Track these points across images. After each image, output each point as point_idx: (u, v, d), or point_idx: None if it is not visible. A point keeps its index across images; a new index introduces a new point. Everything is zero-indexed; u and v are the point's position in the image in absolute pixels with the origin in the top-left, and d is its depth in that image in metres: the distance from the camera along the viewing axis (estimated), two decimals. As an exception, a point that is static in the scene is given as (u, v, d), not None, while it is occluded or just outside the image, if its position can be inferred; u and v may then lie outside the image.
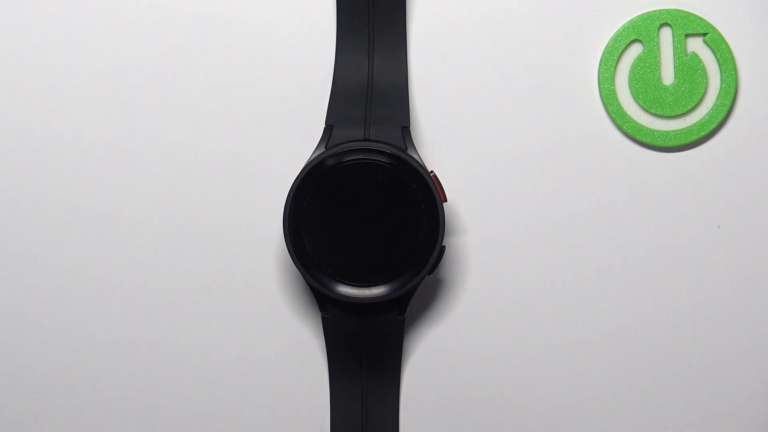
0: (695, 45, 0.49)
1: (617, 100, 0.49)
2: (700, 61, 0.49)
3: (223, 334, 0.49)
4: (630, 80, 0.49)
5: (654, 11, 0.49)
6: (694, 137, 0.49)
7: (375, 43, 0.47)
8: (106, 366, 0.49)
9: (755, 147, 0.49)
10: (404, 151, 0.45)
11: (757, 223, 0.49)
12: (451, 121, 0.49)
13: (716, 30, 0.49)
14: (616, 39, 0.49)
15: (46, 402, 0.50)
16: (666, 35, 0.49)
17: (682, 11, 0.49)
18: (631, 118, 0.49)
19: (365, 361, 0.48)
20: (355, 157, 0.45)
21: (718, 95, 0.49)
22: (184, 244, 0.49)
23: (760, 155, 0.49)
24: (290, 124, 0.49)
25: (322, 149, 0.45)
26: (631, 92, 0.49)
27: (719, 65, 0.49)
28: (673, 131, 0.49)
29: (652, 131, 0.49)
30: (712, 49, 0.49)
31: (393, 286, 0.45)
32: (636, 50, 0.49)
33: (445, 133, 0.49)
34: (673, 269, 0.49)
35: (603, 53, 0.49)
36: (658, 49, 0.49)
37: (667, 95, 0.49)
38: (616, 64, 0.49)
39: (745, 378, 0.49)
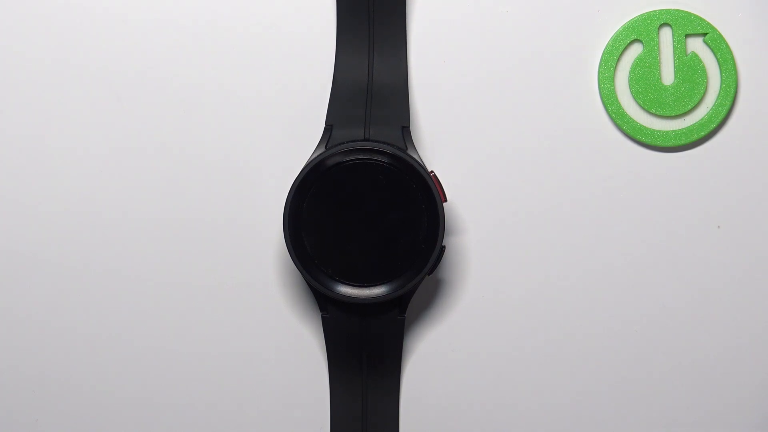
0: (695, 45, 0.49)
1: (617, 100, 0.49)
2: (700, 61, 0.49)
3: (223, 334, 0.49)
4: (630, 80, 0.49)
5: (654, 11, 0.49)
6: (694, 137, 0.49)
7: (375, 43, 0.47)
8: (106, 366, 0.49)
9: (755, 147, 0.49)
10: (404, 151, 0.45)
11: (757, 223, 0.49)
12: (451, 121, 0.49)
13: (716, 30, 0.49)
14: (616, 39, 0.49)
15: (46, 402, 0.50)
16: (666, 35, 0.49)
17: (682, 11, 0.49)
18: (631, 118, 0.49)
19: (365, 361, 0.48)
20: (355, 157, 0.45)
21: (718, 95, 0.49)
22: (185, 244, 0.49)
23: (760, 155, 0.49)
24: (290, 124, 0.49)
25: (322, 149, 0.45)
26: (631, 92, 0.49)
27: (719, 65, 0.49)
28: (673, 131, 0.49)
29: (652, 131, 0.49)
30: (712, 49, 0.49)
31: (393, 286, 0.45)
32: (636, 50, 0.49)
33: (445, 133, 0.49)
34: (673, 269, 0.49)
35: (603, 53, 0.49)
36: (658, 49, 0.49)
37: (667, 95, 0.49)
38: (616, 64, 0.49)
39: (745, 378, 0.49)
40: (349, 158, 0.45)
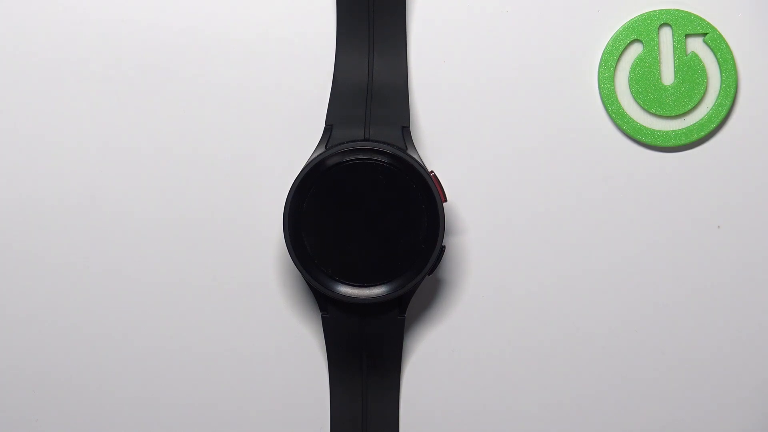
0: (695, 45, 0.49)
1: (617, 100, 0.49)
2: (700, 61, 0.49)
3: (223, 334, 0.49)
4: (630, 80, 0.49)
5: (654, 11, 0.49)
6: (694, 137, 0.49)
7: (375, 43, 0.47)
8: (106, 366, 0.49)
9: (755, 147, 0.49)
10: (404, 151, 0.45)
11: (757, 223, 0.49)
12: (451, 121, 0.49)
13: (716, 30, 0.49)
14: (616, 39, 0.49)
15: (46, 402, 0.50)
16: (666, 35, 0.49)
17: (682, 11, 0.49)
18: (631, 118, 0.49)
19: (365, 361, 0.48)
20: (355, 157, 0.45)
21: (718, 95, 0.49)
22: (185, 244, 0.49)
23: (760, 155, 0.49)
24: (290, 124, 0.49)
25: (322, 149, 0.45)
26: (631, 92, 0.49)
27: (719, 65, 0.49)
28: (673, 131, 0.49)
29: (652, 131, 0.49)
30: (712, 49, 0.49)
31: (393, 286, 0.45)
32: (636, 50, 0.49)
33: (445, 133, 0.49)
34: (673, 269, 0.49)
35: (603, 53, 0.49)
36: (658, 49, 0.49)
37: (667, 95, 0.49)
38: (616, 64, 0.49)
39: (745, 378, 0.49)
40: (349, 158, 0.45)
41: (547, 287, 0.49)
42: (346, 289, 0.45)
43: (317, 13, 0.49)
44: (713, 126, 0.49)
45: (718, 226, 0.49)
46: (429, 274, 0.46)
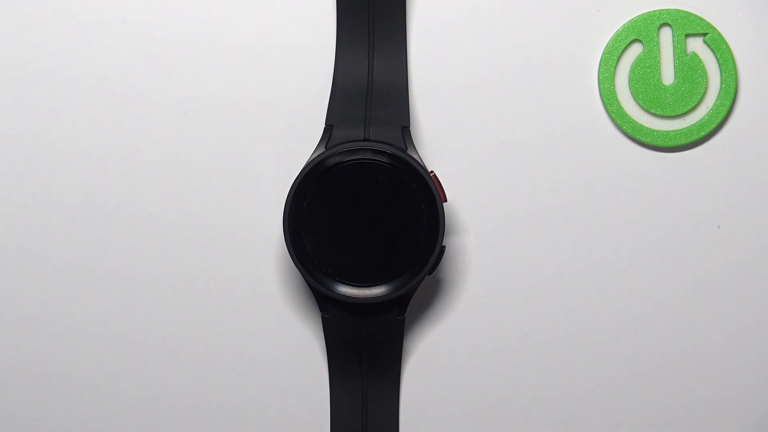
0: (695, 45, 0.49)
1: (617, 100, 0.49)
2: (700, 61, 0.49)
3: (223, 335, 0.49)
4: (630, 80, 0.49)
5: (654, 11, 0.49)
6: (694, 137, 0.49)
7: (375, 43, 0.47)
8: (107, 366, 0.49)
9: (755, 147, 0.49)
10: (404, 151, 0.45)
11: (757, 223, 0.49)
12: (451, 121, 0.49)
13: (716, 30, 0.49)
14: (616, 39, 0.49)
15: (46, 402, 0.50)
16: (666, 35, 0.49)
17: (682, 11, 0.49)
18: (631, 118, 0.49)
19: (365, 361, 0.48)
20: (355, 157, 0.45)
21: (718, 95, 0.49)
22: (184, 245, 0.49)
23: (760, 155, 0.49)
24: (290, 124, 0.49)
25: (322, 149, 0.45)
26: (631, 92, 0.49)
27: (719, 65, 0.49)
28: (673, 131, 0.49)
29: (652, 131, 0.49)
30: (712, 49, 0.49)
31: (393, 286, 0.45)
32: (636, 50, 0.49)
33: (445, 133, 0.49)
34: (673, 269, 0.49)
35: (603, 53, 0.49)
36: (658, 49, 0.49)
37: (667, 95, 0.49)
38: (616, 64, 0.49)
39: (744, 378, 0.49)
40: (349, 158, 0.45)
41: (547, 287, 0.49)
42: (346, 289, 0.45)
43: (317, 13, 0.49)
44: (713, 126, 0.49)
45: (718, 226, 0.49)
46: (429, 274, 0.46)
